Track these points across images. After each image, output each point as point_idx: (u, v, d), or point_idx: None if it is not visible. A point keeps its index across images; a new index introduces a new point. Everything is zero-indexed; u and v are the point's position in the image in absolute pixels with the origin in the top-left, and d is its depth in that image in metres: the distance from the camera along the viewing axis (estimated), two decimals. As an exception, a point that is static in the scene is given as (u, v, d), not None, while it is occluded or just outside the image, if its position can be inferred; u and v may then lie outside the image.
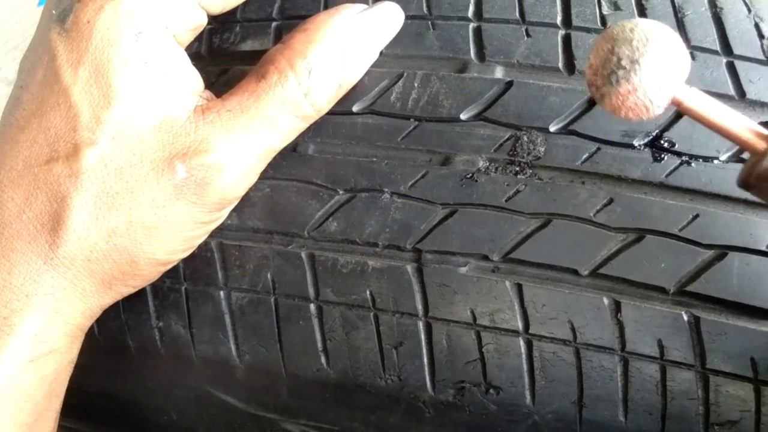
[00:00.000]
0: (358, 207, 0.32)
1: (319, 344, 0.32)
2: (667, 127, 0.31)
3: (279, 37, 0.35)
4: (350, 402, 0.32)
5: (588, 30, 0.33)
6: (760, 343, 0.29)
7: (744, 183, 0.25)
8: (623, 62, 0.24)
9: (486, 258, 0.31)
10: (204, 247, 0.34)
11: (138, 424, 0.37)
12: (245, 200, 0.33)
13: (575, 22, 0.33)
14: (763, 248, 0.29)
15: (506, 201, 0.31)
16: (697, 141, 0.31)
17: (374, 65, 0.33)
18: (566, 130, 0.32)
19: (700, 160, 0.31)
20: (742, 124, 0.25)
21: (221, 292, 0.34)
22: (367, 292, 0.32)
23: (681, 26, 0.33)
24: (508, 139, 0.32)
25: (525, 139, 0.32)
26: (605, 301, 0.30)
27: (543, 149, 0.32)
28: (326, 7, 0.35)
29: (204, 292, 0.34)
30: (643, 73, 0.24)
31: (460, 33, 0.34)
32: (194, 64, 0.32)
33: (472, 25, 0.34)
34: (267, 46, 0.35)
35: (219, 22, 0.36)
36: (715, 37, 0.32)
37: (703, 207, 0.30)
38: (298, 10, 0.35)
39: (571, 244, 0.30)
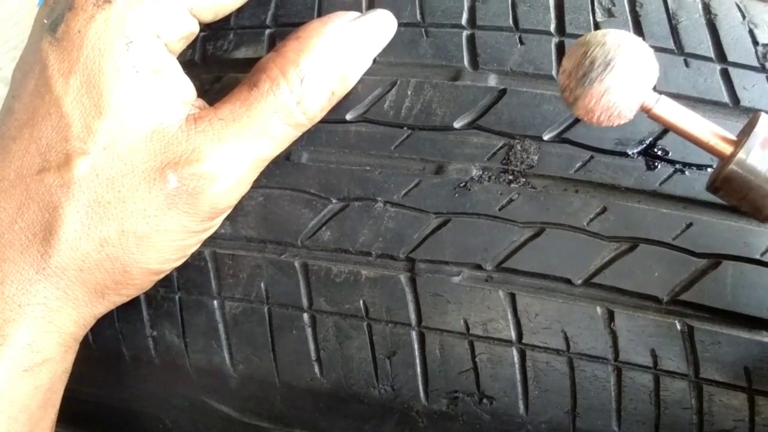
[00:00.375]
0: (352, 216, 0.32)
1: (313, 354, 0.32)
2: (661, 135, 0.31)
3: (272, 44, 0.35)
4: (343, 411, 0.32)
5: (582, 37, 0.33)
6: (754, 352, 0.29)
7: (711, 186, 0.26)
8: (596, 64, 0.25)
9: (479, 267, 0.31)
10: (197, 256, 0.34)
11: (132, 433, 0.37)
12: (238, 209, 0.33)
13: (569, 29, 0.33)
14: (757, 257, 0.29)
15: (499, 210, 0.31)
16: (691, 149, 0.30)
17: (367, 73, 0.33)
18: (560, 139, 0.32)
19: (694, 168, 0.31)
20: (709, 129, 0.26)
21: (215, 302, 0.34)
22: (361, 302, 0.32)
23: (675, 33, 0.33)
24: (501, 148, 0.32)
25: (518, 147, 0.32)
26: (598, 310, 0.30)
27: (536, 158, 0.32)
28: (319, 15, 0.35)
29: (197, 302, 0.34)
30: (616, 75, 0.25)
31: (453, 41, 0.33)
32: (187, 72, 0.32)
33: (465, 33, 0.33)
34: (260, 53, 0.35)
35: (212, 30, 0.36)
36: (710, 43, 0.32)
37: (697, 215, 0.30)
38: (292, 18, 0.35)
39: (564, 253, 0.30)
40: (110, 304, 0.32)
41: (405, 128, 0.33)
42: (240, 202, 0.33)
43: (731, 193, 0.26)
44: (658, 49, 0.32)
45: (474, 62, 0.33)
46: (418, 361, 0.31)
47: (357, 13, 0.34)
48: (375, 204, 0.32)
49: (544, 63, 0.32)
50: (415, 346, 0.31)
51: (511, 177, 0.32)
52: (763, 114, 0.26)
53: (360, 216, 0.32)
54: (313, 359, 0.32)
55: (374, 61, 0.34)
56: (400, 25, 0.34)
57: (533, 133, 0.32)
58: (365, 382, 0.32)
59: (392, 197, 0.32)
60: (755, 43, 0.32)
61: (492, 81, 0.33)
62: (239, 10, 0.36)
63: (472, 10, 0.34)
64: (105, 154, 0.29)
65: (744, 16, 0.33)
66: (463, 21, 0.34)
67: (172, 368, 0.34)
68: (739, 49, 0.32)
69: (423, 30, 0.34)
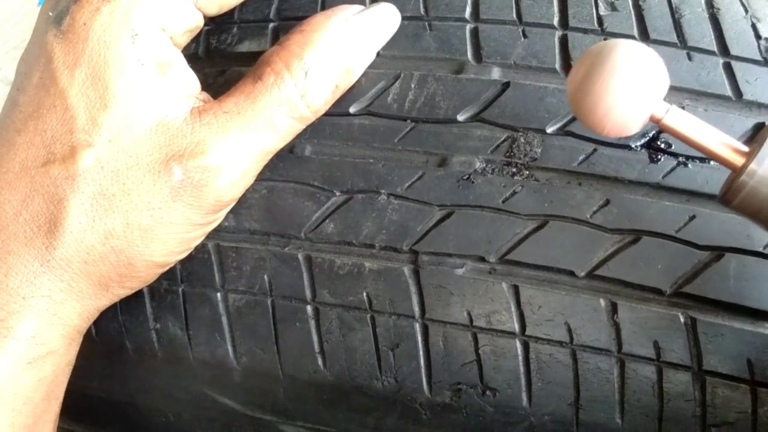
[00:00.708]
0: (355, 208, 0.32)
1: (316, 346, 0.32)
2: (664, 128, 0.31)
3: (276, 38, 0.35)
4: (347, 404, 0.32)
5: (585, 31, 0.33)
6: (757, 345, 0.29)
7: (723, 198, 0.26)
8: (604, 77, 0.24)
9: (482, 259, 0.31)
10: (201, 248, 0.34)
11: (135, 426, 0.37)
12: (242, 202, 0.33)
13: (572, 23, 0.33)
14: (760, 249, 0.29)
15: (503, 202, 0.31)
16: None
17: (371, 66, 0.33)
18: (563, 131, 0.32)
19: (697, 161, 0.31)
20: (720, 139, 0.25)
21: (218, 294, 0.34)
22: (364, 294, 0.32)
23: (678, 27, 0.33)
24: (504, 140, 0.32)
25: (522, 140, 0.32)
26: (602, 302, 0.30)
27: (540, 150, 0.32)
28: (323, 9, 0.35)
29: (201, 294, 0.34)
30: (624, 87, 0.24)
31: (457, 34, 0.34)
32: (191, 66, 0.32)
33: (469, 26, 0.34)
34: (264, 47, 0.35)
35: (216, 23, 0.36)
36: (712, 37, 0.32)
37: (700, 208, 0.30)
38: (296, 12, 0.35)
39: (567, 245, 0.30)
40: (114, 297, 0.32)
41: (408, 121, 0.33)
42: (244, 195, 0.33)
43: (744, 205, 0.25)
44: (660, 43, 0.32)
45: (477, 55, 0.33)
46: (421, 353, 0.31)
47: (361, 7, 0.34)
48: (378, 196, 0.32)
49: (547, 56, 0.33)
50: (419, 338, 0.31)
51: (514, 170, 0.32)
52: None
53: (363, 208, 0.32)
54: (316, 351, 0.32)
55: (378, 54, 0.34)
56: (403, 18, 0.34)
57: (536, 126, 0.32)
58: (368, 374, 0.32)
59: (396, 190, 0.32)
60: (758, 36, 0.32)
61: (495, 74, 0.33)
62: (243, 4, 0.36)
63: (476, 4, 0.34)
64: (110, 147, 0.29)
65: (747, 10, 0.33)
66: (467, 14, 0.34)
67: (175, 361, 0.34)
68: (741, 43, 0.32)
69: (426, 23, 0.34)
